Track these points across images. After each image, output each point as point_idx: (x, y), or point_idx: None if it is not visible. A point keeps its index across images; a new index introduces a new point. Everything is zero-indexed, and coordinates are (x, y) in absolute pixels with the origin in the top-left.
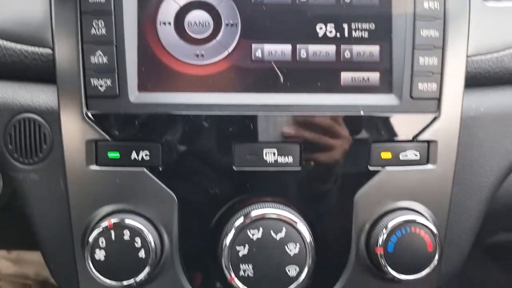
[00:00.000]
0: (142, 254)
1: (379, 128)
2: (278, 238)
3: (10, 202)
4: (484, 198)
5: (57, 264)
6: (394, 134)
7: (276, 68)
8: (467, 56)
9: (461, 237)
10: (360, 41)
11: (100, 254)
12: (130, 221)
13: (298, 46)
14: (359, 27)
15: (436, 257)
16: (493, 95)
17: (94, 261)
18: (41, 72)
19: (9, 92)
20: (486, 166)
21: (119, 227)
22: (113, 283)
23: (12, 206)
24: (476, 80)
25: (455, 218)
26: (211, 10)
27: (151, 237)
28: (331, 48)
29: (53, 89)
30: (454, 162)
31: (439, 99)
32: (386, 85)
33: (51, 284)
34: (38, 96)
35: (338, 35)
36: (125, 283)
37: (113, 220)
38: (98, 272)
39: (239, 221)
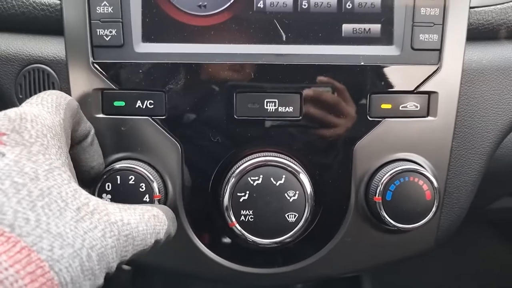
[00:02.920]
0: (146, 198)
1: (380, 79)
2: (277, 185)
3: None
4: (485, 152)
5: None
6: (394, 85)
7: (276, 21)
8: (470, 7)
9: (460, 190)
10: None
11: (106, 198)
12: (134, 166)
13: None
14: None
15: (435, 206)
16: (496, 49)
17: None
18: (49, 23)
19: (19, 44)
20: (487, 119)
21: (124, 172)
22: None
23: None
24: (479, 32)
25: (455, 171)
26: None
27: (155, 183)
28: None
29: (60, 40)
30: (455, 114)
31: (440, 51)
32: (387, 37)
33: None
34: (46, 47)
35: None
36: None
37: (118, 165)
38: None
39: (240, 168)
